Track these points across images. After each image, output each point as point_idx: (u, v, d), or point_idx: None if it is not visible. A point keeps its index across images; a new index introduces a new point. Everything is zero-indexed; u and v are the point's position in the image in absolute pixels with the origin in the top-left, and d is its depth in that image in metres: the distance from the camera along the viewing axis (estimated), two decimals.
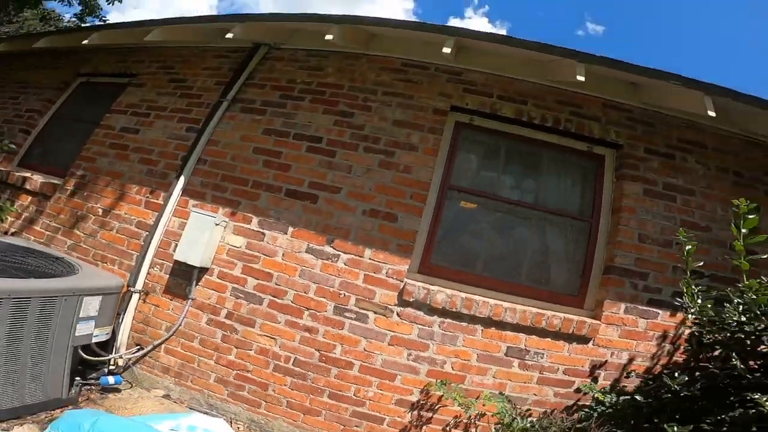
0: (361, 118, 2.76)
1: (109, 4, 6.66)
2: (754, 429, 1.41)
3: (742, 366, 1.60)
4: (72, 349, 2.11)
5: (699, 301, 1.90)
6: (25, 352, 1.87)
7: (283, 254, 2.55)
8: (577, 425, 2.07)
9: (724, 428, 1.47)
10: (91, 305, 2.19)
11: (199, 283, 2.63)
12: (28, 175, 3.36)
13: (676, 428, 1.53)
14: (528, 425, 2.09)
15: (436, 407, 2.41)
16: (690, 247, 1.97)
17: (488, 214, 2.73)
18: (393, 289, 2.46)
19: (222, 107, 2.95)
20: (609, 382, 2.42)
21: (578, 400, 2.43)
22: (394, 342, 2.44)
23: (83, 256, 2.88)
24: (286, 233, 2.57)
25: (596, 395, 2.23)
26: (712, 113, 2.36)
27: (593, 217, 2.67)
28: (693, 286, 1.92)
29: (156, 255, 2.71)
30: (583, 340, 2.44)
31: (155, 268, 2.70)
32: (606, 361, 2.46)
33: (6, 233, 3.24)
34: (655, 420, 1.77)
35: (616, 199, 2.67)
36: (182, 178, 2.77)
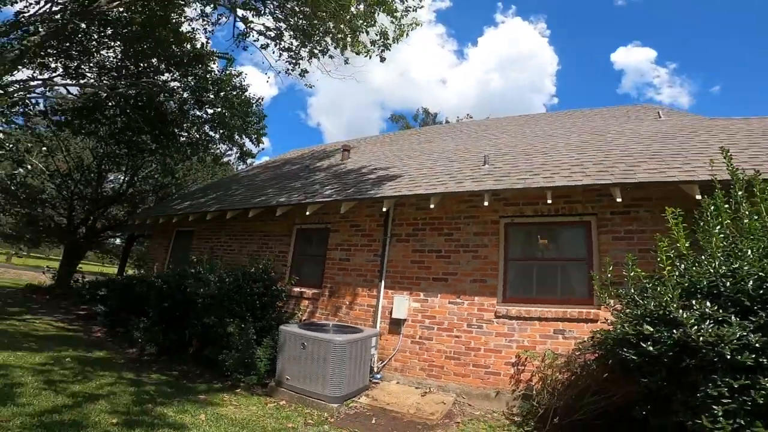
0: (457, 235, 5.95)
1: (256, 147, 11.10)
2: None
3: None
4: (369, 361, 5.62)
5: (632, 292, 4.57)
6: (359, 363, 5.35)
7: (438, 306, 5.85)
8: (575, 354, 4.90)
9: None
10: (373, 341, 5.70)
11: (404, 326, 6.04)
12: (302, 289, 7.20)
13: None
14: (559, 359, 4.99)
15: (525, 363, 5.36)
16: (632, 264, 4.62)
17: (532, 267, 5.70)
18: (491, 311, 5.56)
19: (388, 241, 6.38)
20: None
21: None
22: (497, 335, 5.50)
23: (345, 324, 6.51)
24: (437, 297, 5.86)
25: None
26: (619, 199, 4.97)
27: (588, 257, 5.44)
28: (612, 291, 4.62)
29: (381, 317, 6.21)
30: (593, 321, 5.19)
31: (382, 323, 6.20)
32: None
33: (301, 320, 7.07)
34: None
35: (599, 245, 5.39)
36: (382, 281, 6.25)
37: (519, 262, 5.75)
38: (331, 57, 10.58)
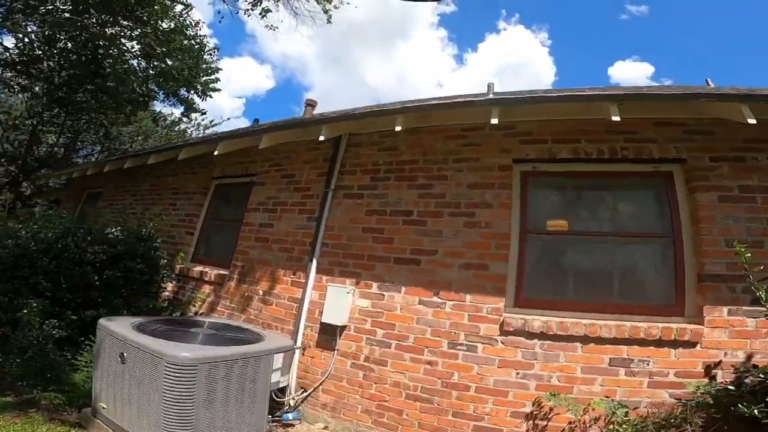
0: (440, 188, 3.35)
1: (202, 100, 8.49)
2: None
3: None
4: (270, 393, 2.97)
5: None
6: (243, 397, 2.72)
7: (400, 308, 3.23)
8: (680, 415, 2.32)
9: None
10: (278, 360, 3.04)
11: (341, 337, 3.42)
12: (204, 269, 4.56)
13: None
14: (638, 421, 2.41)
15: (549, 416, 2.82)
16: None
17: (569, 248, 3.10)
18: (494, 323, 2.96)
19: (329, 197, 3.77)
20: (729, 380, 2.45)
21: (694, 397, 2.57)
22: (502, 365, 2.92)
23: (255, 326, 3.88)
24: (400, 292, 3.24)
25: (701, 388, 2.42)
26: (752, 120, 2.44)
27: (675, 231, 2.87)
28: None
29: (307, 320, 3.58)
30: (689, 344, 2.64)
31: (308, 329, 3.57)
32: (720, 361, 2.55)
33: (196, 314, 4.43)
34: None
35: (693, 209, 2.84)
36: (314, 260, 3.63)
37: (547, 238, 3.15)
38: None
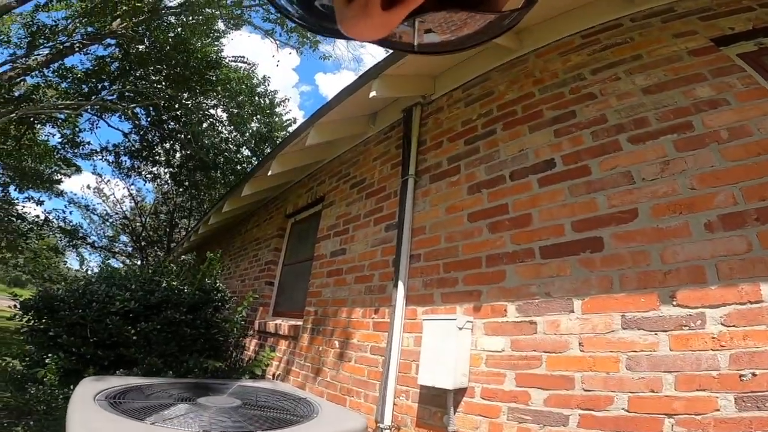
0: (590, 111, 1.74)
1: None
2: None
3: None
4: None
5: None
6: None
7: (579, 343, 1.53)
8: None
9: None
10: None
11: (459, 409, 1.81)
12: (279, 322, 3.49)
13: None
14: None
15: None
16: None
17: None
18: None
19: (409, 185, 2.41)
20: None
21: None
22: None
23: (332, 391, 2.53)
24: (571, 310, 1.57)
25: None
26: None
27: None
28: None
29: (398, 381, 2.08)
30: None
31: (401, 398, 2.05)
32: None
33: (274, 376, 3.28)
34: None
35: None
36: (400, 285, 2.19)
37: None
38: None
